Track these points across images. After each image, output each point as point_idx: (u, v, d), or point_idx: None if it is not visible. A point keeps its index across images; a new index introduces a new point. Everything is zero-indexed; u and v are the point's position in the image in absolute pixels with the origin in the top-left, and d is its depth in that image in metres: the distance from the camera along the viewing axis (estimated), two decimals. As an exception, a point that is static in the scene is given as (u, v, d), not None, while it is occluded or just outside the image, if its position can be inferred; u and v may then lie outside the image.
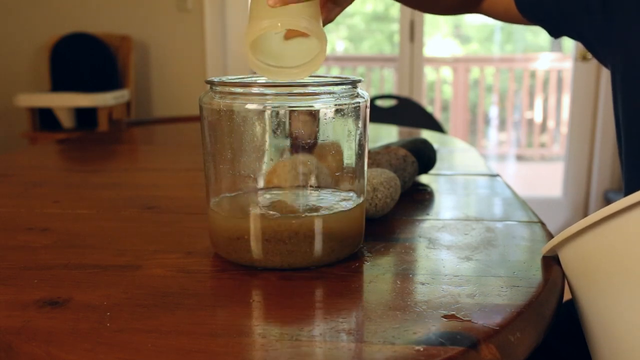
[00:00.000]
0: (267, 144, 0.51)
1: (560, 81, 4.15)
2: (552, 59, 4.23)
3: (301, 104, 0.50)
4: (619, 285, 0.43)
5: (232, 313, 0.44)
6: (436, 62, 4.36)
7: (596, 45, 0.71)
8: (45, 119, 2.62)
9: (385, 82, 4.16)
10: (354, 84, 0.52)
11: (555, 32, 0.78)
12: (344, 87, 0.52)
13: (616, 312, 0.44)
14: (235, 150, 0.52)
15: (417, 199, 0.77)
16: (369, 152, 0.74)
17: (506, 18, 0.84)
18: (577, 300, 0.49)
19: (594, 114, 2.77)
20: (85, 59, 2.64)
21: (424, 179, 0.88)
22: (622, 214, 0.41)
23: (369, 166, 0.71)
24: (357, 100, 0.52)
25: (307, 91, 0.51)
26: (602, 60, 0.72)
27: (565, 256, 0.50)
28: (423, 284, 0.49)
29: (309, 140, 0.51)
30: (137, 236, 0.62)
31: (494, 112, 4.35)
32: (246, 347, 0.39)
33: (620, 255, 0.42)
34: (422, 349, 0.38)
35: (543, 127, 4.29)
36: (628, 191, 0.68)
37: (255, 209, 0.55)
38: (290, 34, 0.55)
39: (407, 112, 1.95)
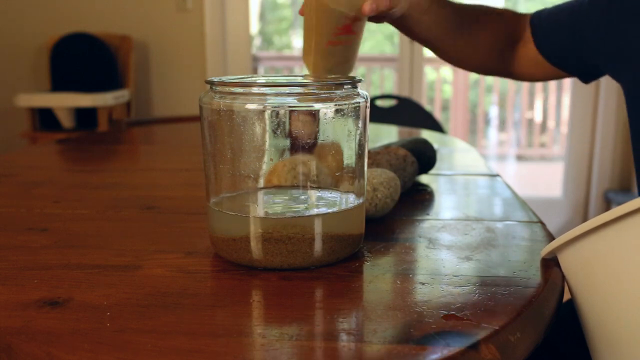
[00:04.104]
0: (267, 144, 0.51)
1: (560, 81, 4.14)
2: (552, 58, 4.22)
3: (301, 104, 0.50)
4: (618, 289, 0.43)
5: (232, 313, 0.44)
6: (436, 62, 4.33)
7: (608, 62, 0.74)
8: (45, 119, 2.62)
9: (385, 82, 4.15)
10: (354, 84, 0.52)
11: (579, 69, 0.81)
12: (344, 87, 0.52)
13: (615, 316, 0.44)
14: (235, 150, 0.52)
15: (417, 199, 0.77)
16: (369, 152, 0.74)
17: (538, 74, 0.86)
18: (577, 303, 0.49)
19: (594, 114, 2.76)
20: (85, 59, 2.64)
21: (424, 179, 0.88)
22: (622, 220, 0.41)
23: (369, 166, 0.71)
24: (357, 100, 0.52)
25: (307, 91, 0.51)
26: (616, 77, 0.74)
27: (564, 259, 0.50)
28: (423, 284, 0.49)
29: (309, 140, 0.51)
30: (137, 236, 0.62)
31: (494, 112, 4.35)
32: (246, 347, 0.39)
33: (620, 260, 0.42)
34: (422, 349, 0.38)
35: (543, 127, 4.29)
36: None
37: (256, 209, 0.55)
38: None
39: (407, 112, 1.95)
